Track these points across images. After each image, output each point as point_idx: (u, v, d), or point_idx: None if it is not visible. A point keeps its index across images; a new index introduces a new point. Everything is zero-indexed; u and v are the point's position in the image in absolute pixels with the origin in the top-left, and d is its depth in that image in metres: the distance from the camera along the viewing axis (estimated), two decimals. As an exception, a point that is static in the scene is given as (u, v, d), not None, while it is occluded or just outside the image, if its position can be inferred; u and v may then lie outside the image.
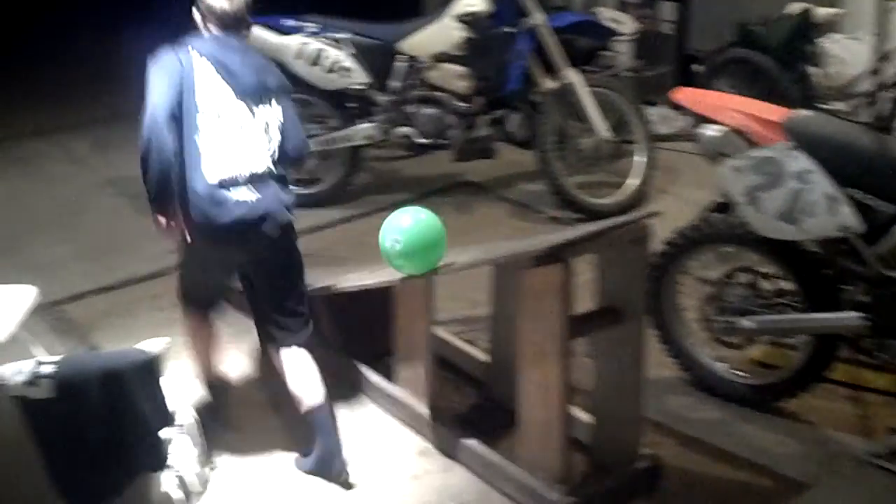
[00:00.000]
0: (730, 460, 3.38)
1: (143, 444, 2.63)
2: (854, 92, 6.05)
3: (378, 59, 5.48)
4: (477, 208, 5.63)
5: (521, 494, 3.13)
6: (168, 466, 2.80)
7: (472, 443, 3.33)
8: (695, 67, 6.63)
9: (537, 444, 3.10)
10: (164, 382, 2.73)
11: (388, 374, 3.69)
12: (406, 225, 3.20)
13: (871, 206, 3.16)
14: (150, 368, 2.62)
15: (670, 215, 3.95)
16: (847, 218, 3.17)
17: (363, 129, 5.50)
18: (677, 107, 3.65)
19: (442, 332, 3.92)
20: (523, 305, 3.05)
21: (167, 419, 2.74)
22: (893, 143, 3.42)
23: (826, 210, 3.18)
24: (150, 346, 2.65)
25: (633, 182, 5.52)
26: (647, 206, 5.42)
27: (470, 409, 3.72)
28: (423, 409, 3.52)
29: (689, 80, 6.21)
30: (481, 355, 3.85)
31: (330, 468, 3.21)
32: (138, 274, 4.83)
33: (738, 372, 3.69)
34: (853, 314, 3.27)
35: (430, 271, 3.23)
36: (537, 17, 5.37)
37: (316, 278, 3.65)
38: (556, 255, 2.92)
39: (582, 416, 3.32)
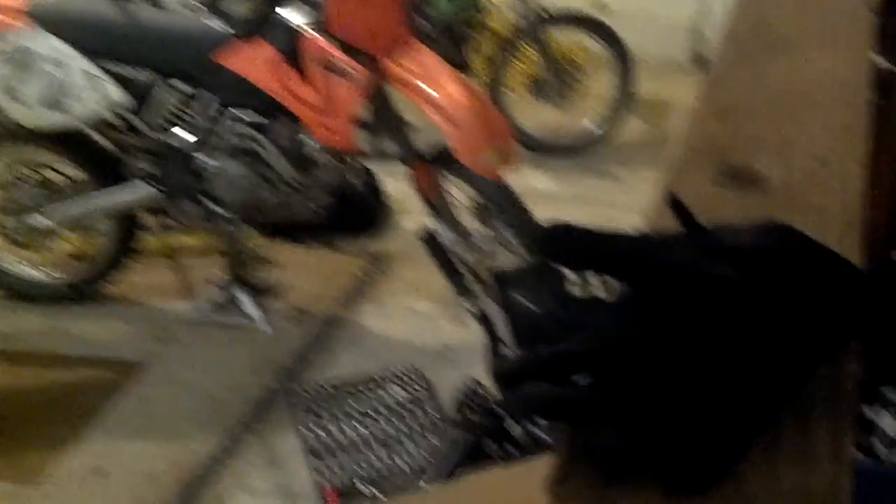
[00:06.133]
0: (64, 362, 3.30)
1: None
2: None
3: None
4: None
5: None
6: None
7: None
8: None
9: None
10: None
11: None
12: None
13: (131, 76, 3.15)
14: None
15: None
16: (111, 93, 3.14)
17: None
18: None
19: None
20: None
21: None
22: (140, 10, 3.42)
23: (89, 89, 3.12)
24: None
25: None
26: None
27: None
28: None
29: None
30: None
31: None
32: None
33: (51, 272, 3.57)
34: (143, 187, 3.28)
35: None
36: None
37: None
38: None
39: None
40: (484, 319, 2.04)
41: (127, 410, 3.08)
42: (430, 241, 3.22)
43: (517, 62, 4.77)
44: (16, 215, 3.42)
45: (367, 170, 4.10)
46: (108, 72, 3.13)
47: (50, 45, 3.09)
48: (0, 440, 2.95)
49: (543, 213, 3.19)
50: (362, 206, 4.02)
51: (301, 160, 3.25)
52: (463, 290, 3.20)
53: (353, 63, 3.04)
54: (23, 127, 3.21)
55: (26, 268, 3.55)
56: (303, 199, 3.31)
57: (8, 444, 2.94)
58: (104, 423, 3.03)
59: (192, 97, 3.19)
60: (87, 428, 3.00)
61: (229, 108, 3.18)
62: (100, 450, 2.93)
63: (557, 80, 4.65)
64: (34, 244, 3.49)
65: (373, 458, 2.77)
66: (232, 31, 3.13)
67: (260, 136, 3.18)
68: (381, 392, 3.01)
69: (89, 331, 3.45)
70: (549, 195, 4.24)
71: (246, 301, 3.46)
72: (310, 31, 3.07)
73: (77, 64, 3.10)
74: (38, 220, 3.39)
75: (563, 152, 4.66)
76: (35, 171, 3.41)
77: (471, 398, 1.69)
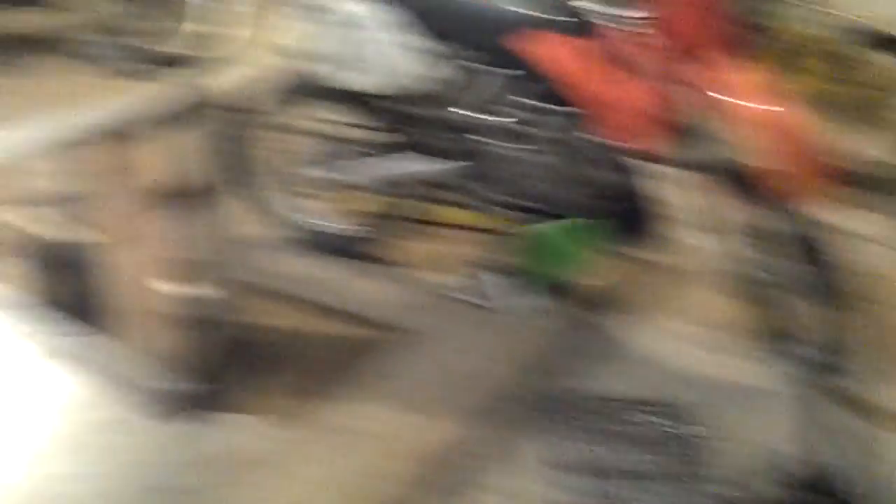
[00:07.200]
0: (332, 315, 3.33)
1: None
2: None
3: None
4: (37, 68, 5.07)
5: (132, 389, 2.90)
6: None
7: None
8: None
9: (139, 328, 2.92)
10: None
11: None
12: None
13: (455, 56, 3.15)
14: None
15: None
16: (442, 70, 3.13)
17: None
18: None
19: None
20: (96, 184, 2.88)
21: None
22: None
23: (418, 63, 3.14)
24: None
25: (191, 27, 5.26)
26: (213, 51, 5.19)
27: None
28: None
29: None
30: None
31: None
32: None
33: (346, 227, 3.66)
34: (457, 162, 3.28)
35: None
36: None
37: None
38: (122, 132, 2.80)
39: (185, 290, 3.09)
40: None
41: (381, 374, 3.08)
42: (742, 269, 3.00)
43: (830, 84, 4.44)
44: (315, 168, 3.50)
45: (646, 173, 3.93)
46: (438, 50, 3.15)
47: (375, 14, 3.13)
48: (275, 379, 3.02)
49: (852, 256, 2.97)
50: (639, 211, 3.86)
51: (593, 157, 3.15)
52: (771, 331, 2.98)
53: (662, 64, 2.88)
54: (342, 88, 3.26)
55: (324, 220, 3.66)
56: (587, 196, 3.20)
57: (280, 384, 3.01)
58: (359, 383, 3.03)
59: (509, 82, 3.14)
60: (343, 385, 3.03)
61: (543, 99, 3.10)
62: (352, 408, 2.93)
63: (869, 105, 4.29)
64: (335, 198, 3.60)
65: (622, 489, 2.63)
66: (537, 18, 3.03)
67: (571, 129, 3.08)
68: (638, 418, 2.86)
69: (359, 288, 3.49)
70: (857, 237, 3.89)
71: (513, 290, 3.39)
72: (622, 25, 2.92)
73: (413, 38, 3.12)
74: (343, 175, 3.46)
75: (871, 188, 4.28)
76: (343, 128, 3.47)
77: (775, 472, 1.52)
